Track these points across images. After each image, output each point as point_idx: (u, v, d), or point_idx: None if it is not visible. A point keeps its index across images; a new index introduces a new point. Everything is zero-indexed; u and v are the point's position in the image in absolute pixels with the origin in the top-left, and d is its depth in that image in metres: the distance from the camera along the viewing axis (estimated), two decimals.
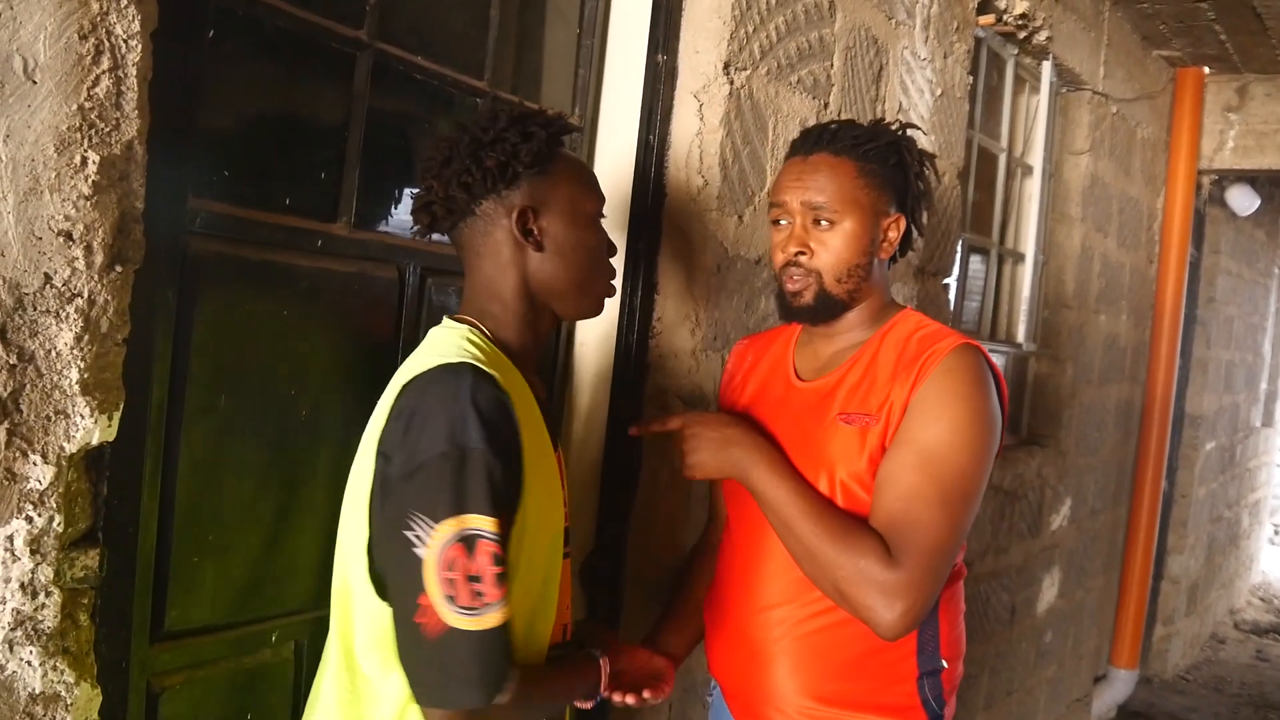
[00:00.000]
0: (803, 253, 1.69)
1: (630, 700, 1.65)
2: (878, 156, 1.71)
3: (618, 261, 2.29)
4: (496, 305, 1.51)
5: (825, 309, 1.72)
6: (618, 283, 1.73)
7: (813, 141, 1.73)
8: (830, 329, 1.77)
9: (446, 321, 1.51)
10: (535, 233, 1.48)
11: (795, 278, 1.71)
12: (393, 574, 1.30)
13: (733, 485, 1.81)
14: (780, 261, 1.73)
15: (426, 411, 1.30)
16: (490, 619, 1.27)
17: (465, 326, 1.48)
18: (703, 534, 2.02)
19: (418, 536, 1.25)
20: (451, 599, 1.25)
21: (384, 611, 1.32)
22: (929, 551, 1.54)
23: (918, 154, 1.76)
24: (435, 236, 1.60)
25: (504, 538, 1.30)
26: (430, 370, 1.35)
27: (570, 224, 1.51)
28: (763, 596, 1.73)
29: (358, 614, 1.35)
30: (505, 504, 1.32)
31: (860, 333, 1.76)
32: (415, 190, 1.55)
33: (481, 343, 1.43)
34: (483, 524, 1.27)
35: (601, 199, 1.57)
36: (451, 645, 1.26)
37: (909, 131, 1.81)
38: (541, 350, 1.59)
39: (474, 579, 1.26)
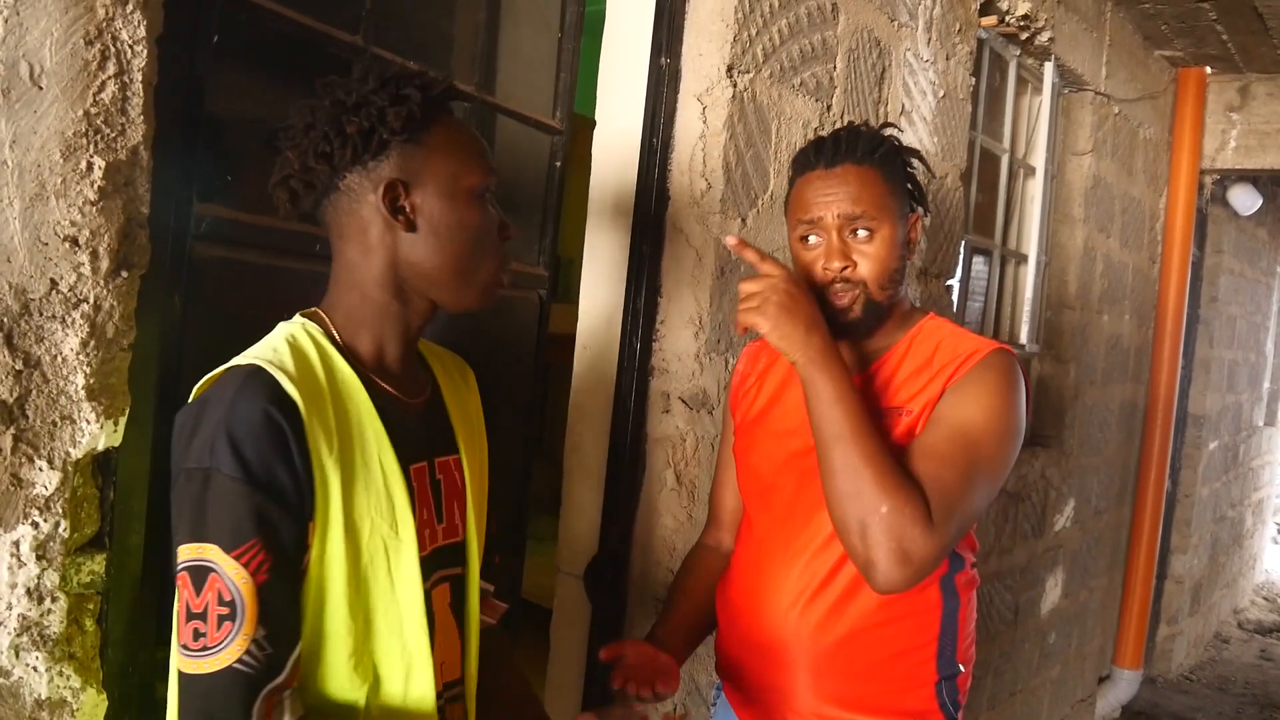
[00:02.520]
0: (847, 266, 1.66)
1: (644, 694, 1.57)
2: (889, 160, 1.70)
3: (618, 265, 2.31)
4: (353, 296, 1.32)
5: (874, 318, 1.70)
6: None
7: (830, 153, 1.69)
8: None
9: (296, 315, 1.33)
10: (406, 210, 1.28)
11: (842, 293, 1.66)
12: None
13: (756, 480, 1.80)
14: (822, 279, 1.67)
15: (194, 418, 1.16)
16: (209, 663, 1.10)
17: (304, 320, 1.31)
18: (703, 535, 2.00)
19: (176, 550, 1.14)
20: (175, 632, 1.12)
21: None
22: (954, 520, 1.52)
23: (909, 153, 1.76)
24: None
25: (269, 569, 1.13)
26: (220, 371, 1.20)
27: (449, 200, 1.30)
28: (783, 598, 1.71)
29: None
30: (265, 533, 1.13)
31: (887, 336, 1.75)
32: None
33: (309, 340, 1.26)
34: (216, 556, 1.11)
35: (489, 172, 1.35)
36: (183, 684, 1.13)
37: (890, 131, 1.80)
38: (410, 348, 1.39)
39: (195, 616, 1.11)
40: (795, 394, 1.74)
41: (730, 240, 1.59)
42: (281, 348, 1.23)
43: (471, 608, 1.45)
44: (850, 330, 1.70)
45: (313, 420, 1.18)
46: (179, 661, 1.12)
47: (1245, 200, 6.01)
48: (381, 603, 1.26)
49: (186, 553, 1.12)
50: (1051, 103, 4.13)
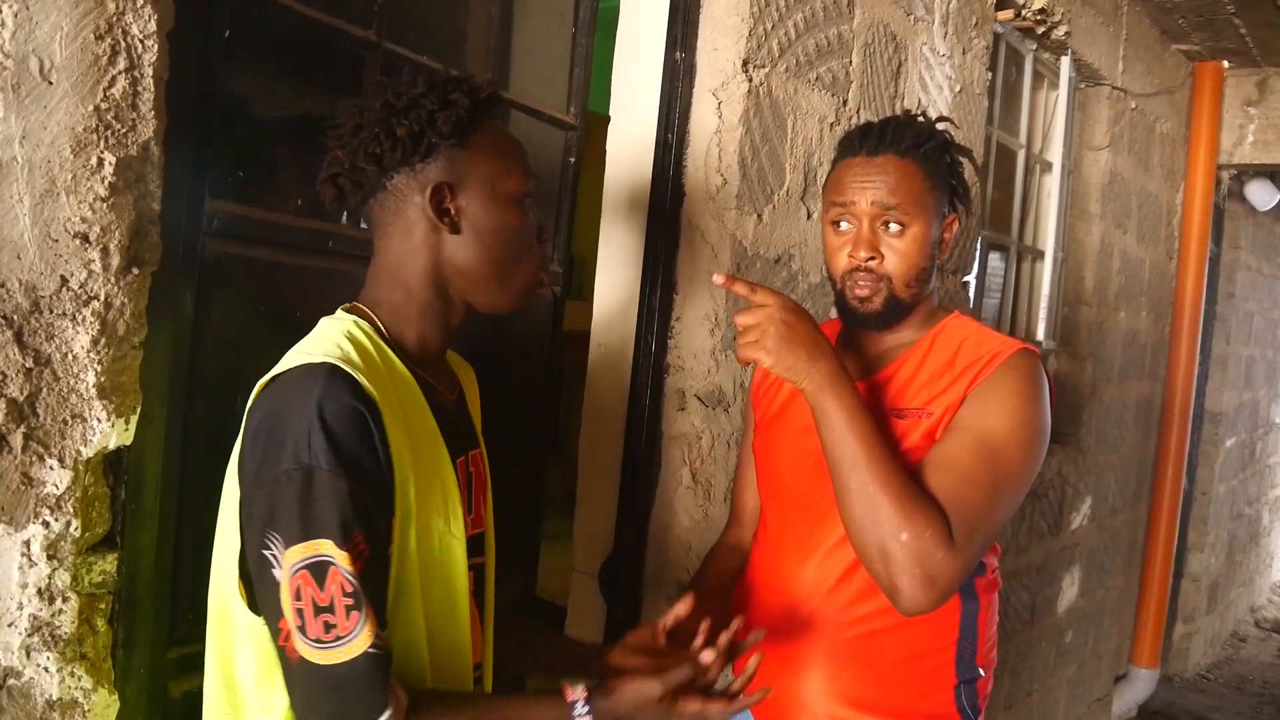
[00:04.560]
0: (873, 258, 1.63)
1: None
2: (935, 157, 1.67)
3: (633, 262, 2.29)
4: (398, 293, 1.35)
5: (893, 314, 1.67)
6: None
7: (875, 140, 1.67)
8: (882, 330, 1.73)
9: (339, 310, 1.36)
10: (452, 212, 1.32)
11: (864, 284, 1.64)
12: (260, 592, 1.20)
13: (775, 477, 1.78)
14: (846, 266, 1.65)
15: (275, 421, 1.18)
16: (342, 653, 1.14)
17: (353, 317, 1.33)
18: (724, 533, 1.98)
19: (274, 557, 1.16)
20: (302, 629, 1.15)
21: (260, 626, 1.22)
22: (977, 538, 1.50)
23: (959, 151, 1.73)
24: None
25: (367, 559, 1.18)
26: (287, 372, 1.22)
27: (492, 204, 1.34)
28: (799, 598, 1.69)
29: (238, 629, 1.25)
30: (366, 524, 1.18)
31: (910, 333, 1.72)
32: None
33: (365, 337, 1.30)
34: (331, 550, 1.15)
35: (529, 177, 1.39)
36: (308, 676, 1.16)
37: (944, 126, 1.77)
38: (446, 346, 1.43)
39: (323, 610, 1.14)
40: None
41: (718, 279, 1.53)
42: (345, 344, 1.26)
43: (489, 596, 1.49)
44: (867, 321, 1.68)
45: (389, 416, 1.22)
46: (311, 655, 1.14)
47: (1263, 195, 5.96)
48: (438, 591, 1.31)
49: (301, 552, 1.15)
50: (1068, 97, 4.10)
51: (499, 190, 1.35)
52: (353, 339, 1.27)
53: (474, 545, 1.42)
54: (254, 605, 1.21)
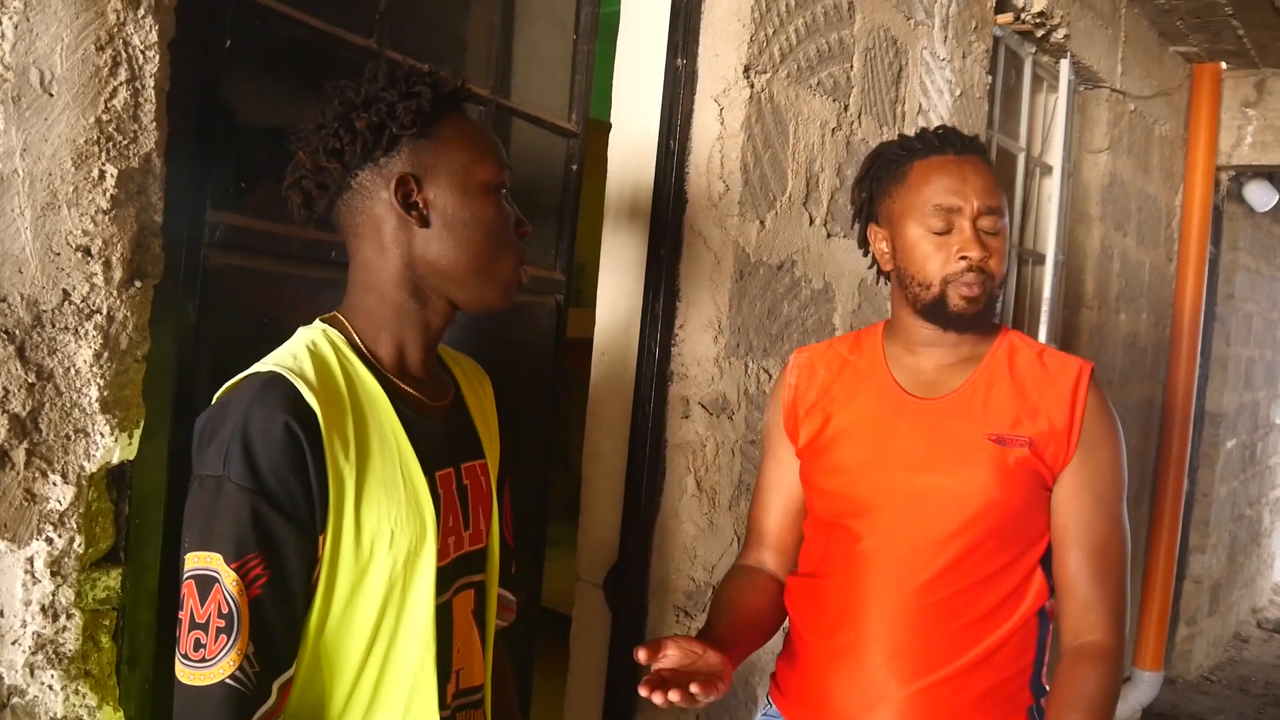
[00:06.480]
0: (986, 256, 1.60)
1: (675, 698, 1.34)
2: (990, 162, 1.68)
3: (636, 269, 2.28)
4: (371, 297, 1.29)
5: (990, 311, 1.66)
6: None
7: (958, 143, 1.65)
8: (943, 339, 1.68)
9: (316, 320, 1.31)
10: (420, 205, 1.26)
11: (976, 284, 1.60)
12: None
13: (827, 517, 1.71)
14: (955, 268, 1.60)
15: (207, 425, 1.15)
16: (201, 675, 1.09)
17: (324, 326, 1.28)
18: (741, 557, 1.86)
19: (183, 559, 1.13)
20: (177, 640, 1.11)
21: None
22: (1124, 591, 1.62)
23: None
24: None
25: (263, 585, 1.12)
26: (237, 380, 1.19)
27: (462, 195, 1.27)
28: (868, 652, 1.63)
29: None
30: (267, 548, 1.12)
31: (971, 346, 1.69)
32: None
33: (329, 346, 1.24)
34: (220, 567, 1.10)
35: (502, 167, 1.32)
36: (178, 692, 1.12)
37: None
38: (431, 351, 1.36)
39: (197, 625, 1.10)
40: (881, 404, 1.69)
41: (640, 654, 1.40)
42: (302, 354, 1.21)
43: (490, 614, 1.43)
44: (971, 323, 1.65)
45: (331, 430, 1.16)
46: (178, 670, 1.11)
47: (1261, 196, 5.97)
48: (391, 616, 1.24)
49: (194, 561, 1.11)
50: (1067, 100, 4.09)
51: (470, 180, 1.28)
52: (313, 348, 1.23)
53: (473, 561, 1.37)
54: None
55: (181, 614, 1.11)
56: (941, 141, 1.66)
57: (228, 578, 1.10)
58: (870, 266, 1.77)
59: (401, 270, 1.28)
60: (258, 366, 1.19)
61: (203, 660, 1.09)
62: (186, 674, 1.10)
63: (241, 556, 1.10)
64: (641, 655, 1.39)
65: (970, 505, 1.59)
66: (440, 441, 1.32)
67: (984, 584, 1.61)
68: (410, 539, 1.23)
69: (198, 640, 1.09)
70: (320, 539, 1.17)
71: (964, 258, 1.59)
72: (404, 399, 1.28)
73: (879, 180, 1.71)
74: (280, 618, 1.14)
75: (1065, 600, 1.63)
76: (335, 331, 1.27)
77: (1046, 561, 1.65)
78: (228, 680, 1.09)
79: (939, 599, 1.60)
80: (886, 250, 1.69)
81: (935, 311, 1.63)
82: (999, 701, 1.63)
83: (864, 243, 1.76)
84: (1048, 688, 1.65)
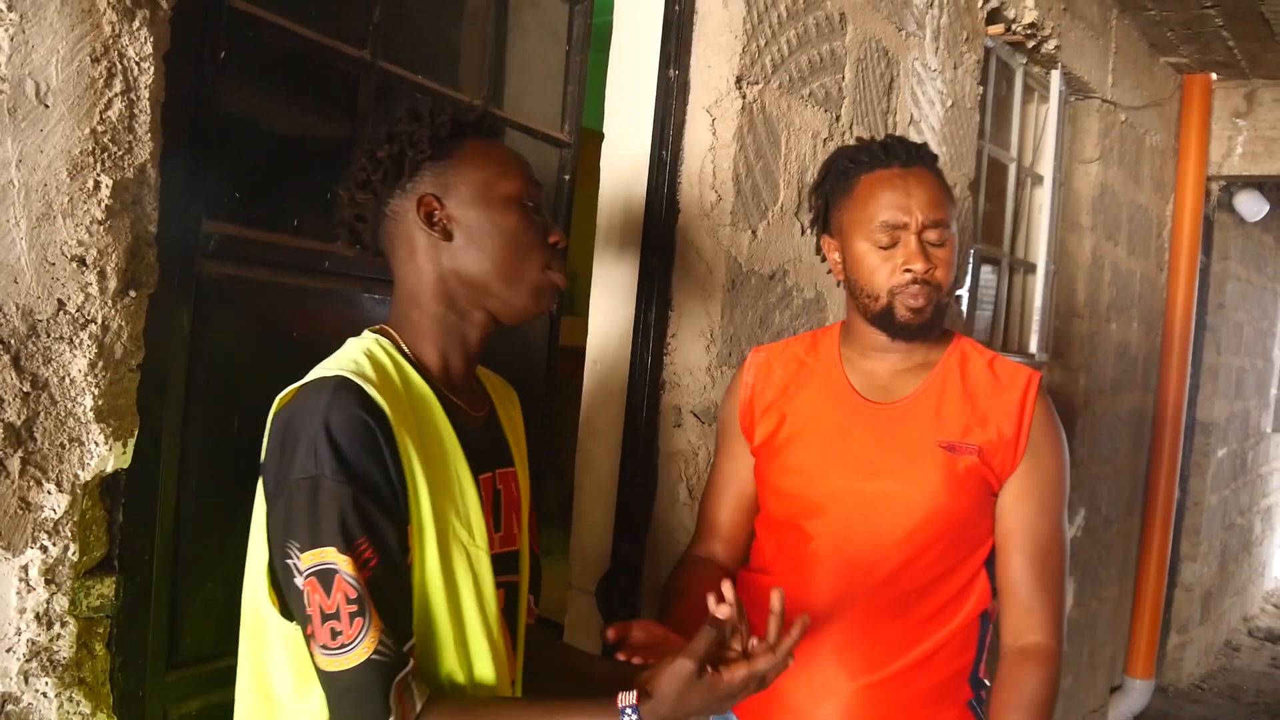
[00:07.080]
0: (930, 268, 1.63)
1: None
2: (940, 172, 1.71)
3: (629, 279, 2.29)
4: (415, 311, 1.38)
5: (937, 322, 1.69)
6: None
7: (904, 154, 1.67)
8: (895, 345, 1.72)
9: (365, 331, 1.39)
10: (443, 221, 1.35)
11: (921, 295, 1.63)
12: (289, 600, 1.23)
13: (780, 516, 1.75)
14: (900, 280, 1.63)
15: (289, 431, 1.22)
16: (347, 659, 1.17)
17: (376, 336, 1.37)
18: (692, 547, 1.90)
19: (294, 565, 1.19)
20: (314, 637, 1.18)
21: (294, 631, 1.24)
22: (1064, 594, 1.71)
23: None
24: None
25: (374, 567, 1.19)
26: (302, 385, 1.26)
27: (483, 207, 1.36)
28: (818, 648, 1.66)
29: (271, 636, 1.26)
30: (371, 531, 1.20)
31: (924, 352, 1.73)
32: None
33: (384, 354, 1.33)
34: (335, 558, 1.17)
35: (524, 181, 1.40)
36: (325, 682, 1.20)
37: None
38: (472, 363, 1.44)
39: (329, 616, 1.17)
40: (836, 408, 1.72)
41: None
42: (361, 360, 1.29)
43: (521, 614, 1.50)
44: (918, 332, 1.68)
45: (400, 428, 1.25)
46: (321, 662, 1.18)
47: (1252, 206, 5.98)
48: (468, 603, 1.33)
49: (309, 559, 1.18)
50: (1058, 111, 4.12)
51: (492, 194, 1.37)
52: (370, 355, 1.31)
53: (506, 562, 1.44)
54: (286, 612, 1.24)
55: (310, 610, 1.18)
56: (887, 154, 1.68)
57: (345, 565, 1.17)
58: (828, 272, 1.81)
59: (436, 284, 1.37)
60: (319, 371, 1.27)
61: (342, 646, 1.17)
62: (331, 662, 1.18)
63: (352, 543, 1.18)
64: (610, 633, 1.48)
65: (919, 510, 1.64)
66: (480, 447, 1.41)
67: (931, 585, 1.66)
68: (466, 534, 1.33)
69: (333, 629, 1.17)
70: (408, 529, 1.26)
71: (909, 270, 1.63)
72: (450, 405, 1.37)
73: (832, 192, 1.75)
74: (396, 593, 1.23)
75: (1007, 602, 1.68)
76: (386, 340, 1.36)
77: (990, 563, 1.71)
78: (373, 656, 1.18)
79: (888, 599, 1.65)
80: (839, 260, 1.74)
81: (884, 321, 1.68)
82: (941, 696, 1.68)
83: (819, 251, 1.80)
84: (986, 682, 1.71)
